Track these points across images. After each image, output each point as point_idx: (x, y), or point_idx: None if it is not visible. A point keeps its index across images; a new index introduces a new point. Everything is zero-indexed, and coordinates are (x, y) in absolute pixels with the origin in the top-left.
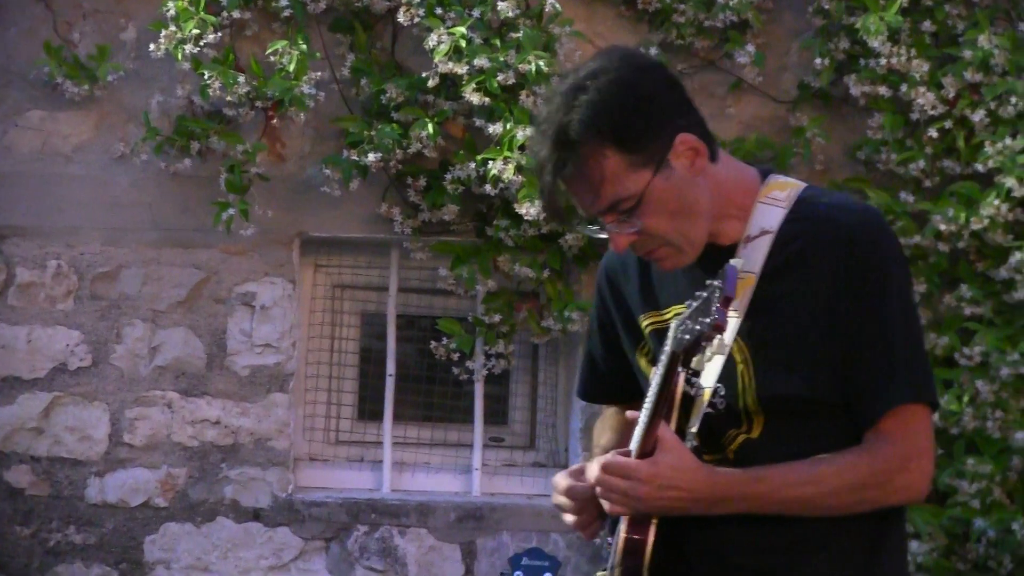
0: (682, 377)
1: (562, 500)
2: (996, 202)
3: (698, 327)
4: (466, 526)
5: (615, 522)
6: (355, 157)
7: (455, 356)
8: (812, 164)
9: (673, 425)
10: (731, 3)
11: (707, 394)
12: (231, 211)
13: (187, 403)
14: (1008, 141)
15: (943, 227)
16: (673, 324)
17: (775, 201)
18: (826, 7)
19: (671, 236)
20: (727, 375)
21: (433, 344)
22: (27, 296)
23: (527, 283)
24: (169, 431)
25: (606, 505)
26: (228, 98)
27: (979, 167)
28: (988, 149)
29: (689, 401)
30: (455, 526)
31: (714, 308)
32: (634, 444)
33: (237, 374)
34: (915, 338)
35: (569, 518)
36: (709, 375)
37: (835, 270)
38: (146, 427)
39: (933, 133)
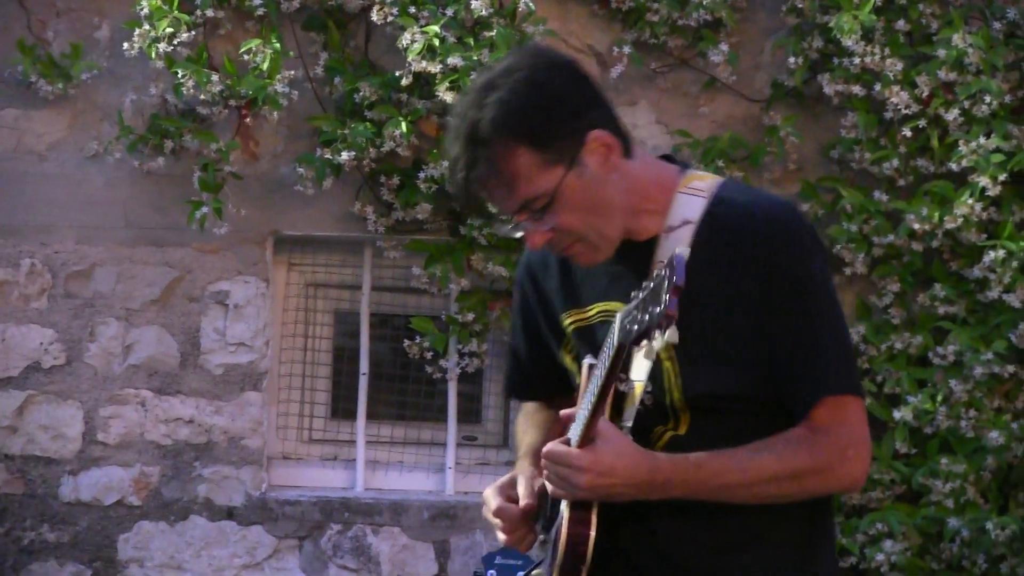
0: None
1: (493, 520)
2: (970, 201)
3: (647, 316)
4: (439, 524)
5: (548, 523)
6: (328, 156)
7: (428, 355)
8: (785, 163)
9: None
10: (705, 2)
11: (639, 389)
12: (205, 210)
13: (161, 402)
14: (982, 140)
15: (917, 226)
16: (619, 316)
17: (696, 191)
18: (800, 6)
19: (585, 233)
20: (653, 371)
21: (406, 343)
22: (1, 295)
23: (500, 282)
24: (143, 430)
25: (549, 488)
26: (202, 97)
27: (953, 166)
28: (962, 148)
29: (621, 398)
30: (428, 525)
31: (665, 297)
32: (574, 434)
33: (211, 372)
34: (839, 329)
35: (501, 536)
36: (640, 371)
37: (756, 264)
38: (120, 426)
39: (907, 132)
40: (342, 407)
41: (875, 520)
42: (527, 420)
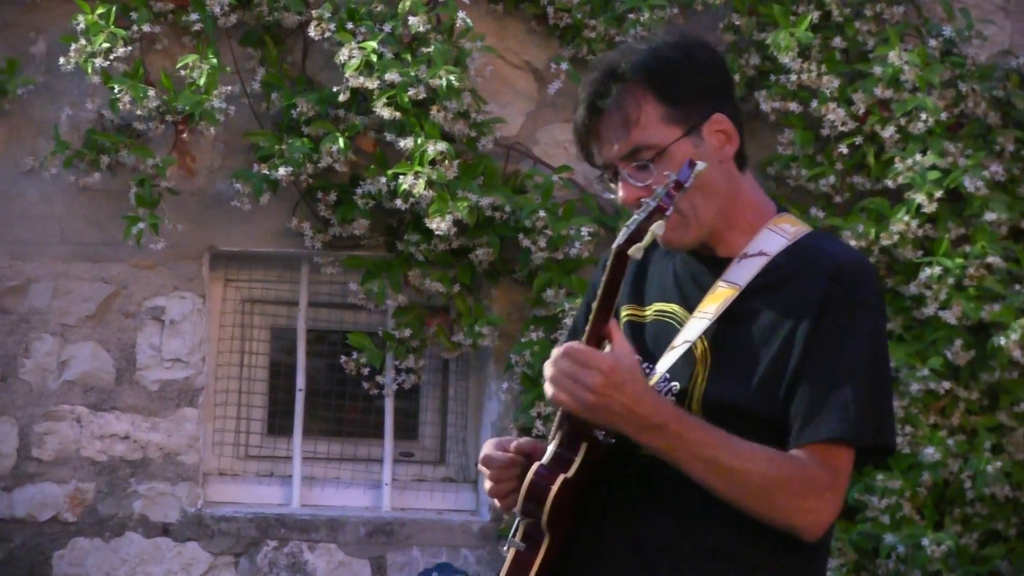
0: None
1: (482, 468)
2: (906, 218)
3: (643, 214)
4: (376, 541)
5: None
6: (265, 171)
7: (365, 371)
8: None
9: None
10: (642, 19)
11: (653, 381)
12: (141, 225)
13: (96, 418)
14: (918, 157)
15: (853, 243)
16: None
17: (782, 232)
18: (737, 23)
19: (680, 201)
20: (683, 370)
21: (343, 359)
22: None
23: (437, 298)
24: (78, 446)
25: (549, 390)
26: (138, 112)
27: (889, 183)
28: (898, 165)
29: None
30: (365, 541)
31: (664, 193)
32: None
33: (146, 388)
34: (878, 384)
35: (487, 484)
36: (663, 363)
37: (814, 298)
38: (55, 442)
39: (843, 149)
40: (278, 423)
41: None
42: None
